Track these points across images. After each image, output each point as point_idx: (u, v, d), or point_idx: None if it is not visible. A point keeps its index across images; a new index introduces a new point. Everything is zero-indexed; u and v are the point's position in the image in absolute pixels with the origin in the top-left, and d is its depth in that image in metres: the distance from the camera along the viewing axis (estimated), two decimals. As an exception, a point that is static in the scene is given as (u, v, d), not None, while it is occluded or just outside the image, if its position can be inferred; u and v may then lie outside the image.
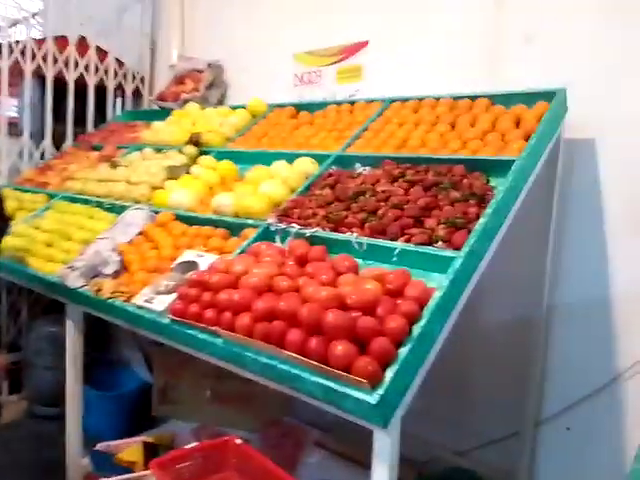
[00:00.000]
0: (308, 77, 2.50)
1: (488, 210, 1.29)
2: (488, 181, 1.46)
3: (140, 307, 1.46)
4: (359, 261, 1.30)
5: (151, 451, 1.71)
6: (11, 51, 2.82)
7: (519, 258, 1.73)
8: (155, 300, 1.44)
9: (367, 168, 1.68)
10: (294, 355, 1.07)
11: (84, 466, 1.81)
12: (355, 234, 1.39)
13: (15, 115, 3.12)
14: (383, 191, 1.49)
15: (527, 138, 1.51)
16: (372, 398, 0.95)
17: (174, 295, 1.41)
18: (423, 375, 1.07)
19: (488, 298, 1.78)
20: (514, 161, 1.41)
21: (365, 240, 1.36)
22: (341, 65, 2.38)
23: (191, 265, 1.51)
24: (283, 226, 1.53)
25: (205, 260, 1.50)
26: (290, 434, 2.03)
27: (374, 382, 0.97)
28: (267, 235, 1.56)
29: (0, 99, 2.83)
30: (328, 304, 1.07)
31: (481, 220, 1.27)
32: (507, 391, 1.83)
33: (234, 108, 2.52)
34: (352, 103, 2.13)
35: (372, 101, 2.08)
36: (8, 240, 1.92)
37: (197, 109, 2.64)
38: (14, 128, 3.00)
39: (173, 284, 1.44)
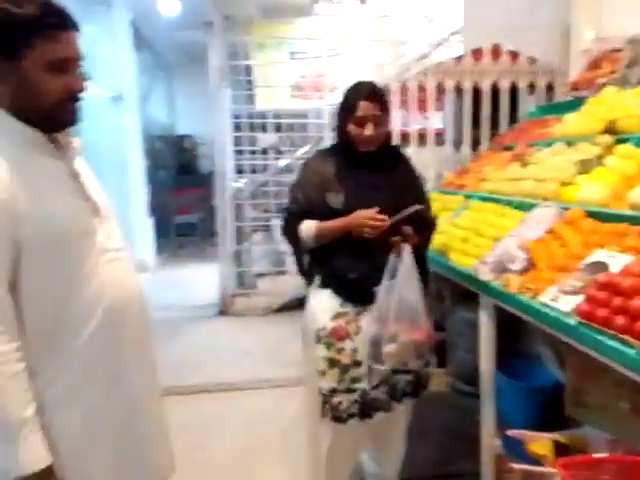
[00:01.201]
0: None
1: None
2: None
3: (545, 305, 1.48)
4: None
5: (561, 450, 1.71)
6: (434, 72, 3.29)
7: None
8: (560, 299, 1.44)
9: None
10: None
11: (496, 446, 1.97)
12: None
13: (440, 127, 3.61)
14: None
15: None
16: None
17: (580, 296, 1.37)
18: None
19: None
20: None
21: None
22: None
23: (600, 266, 1.43)
24: None
25: (617, 261, 1.39)
26: None
27: None
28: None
29: (428, 114, 3.34)
30: None
31: None
32: None
33: (662, 83, 2.17)
34: None
35: None
36: (435, 237, 2.27)
37: (614, 93, 2.40)
38: (439, 138, 3.48)
39: (579, 285, 1.40)
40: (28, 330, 1.01)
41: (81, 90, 1.06)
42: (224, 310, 4.51)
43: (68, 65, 1.02)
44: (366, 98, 1.76)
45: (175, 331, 4.07)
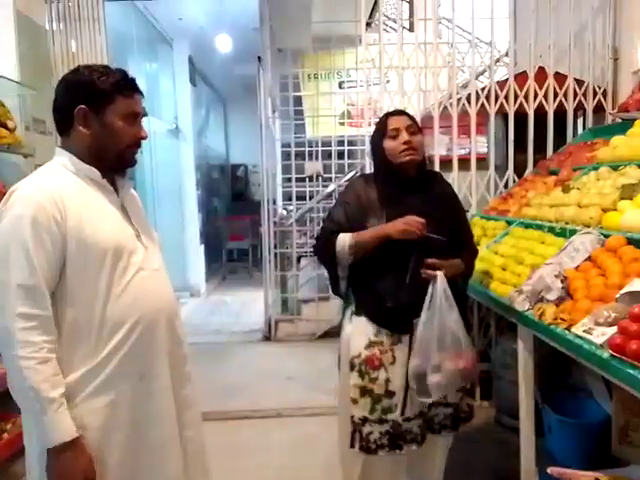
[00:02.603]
0: None
1: None
2: None
3: (578, 336, 1.43)
4: None
5: (603, 491, 1.60)
6: (478, 97, 3.25)
7: None
8: (594, 331, 1.38)
9: None
10: None
11: (536, 485, 1.87)
12: None
13: (483, 151, 3.55)
14: None
15: None
16: None
17: (614, 328, 1.31)
18: None
19: None
20: None
21: None
22: None
23: (638, 296, 1.36)
24: None
25: (656, 291, 1.33)
26: None
27: None
28: None
29: (471, 139, 3.30)
30: None
31: None
32: None
33: None
34: None
35: None
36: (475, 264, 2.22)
37: (664, 114, 2.30)
38: (482, 163, 3.42)
39: (614, 315, 1.34)
40: (67, 329, 1.18)
41: (145, 138, 1.31)
42: (268, 336, 4.56)
43: (136, 118, 1.29)
44: (394, 114, 1.84)
45: (219, 356, 4.15)
